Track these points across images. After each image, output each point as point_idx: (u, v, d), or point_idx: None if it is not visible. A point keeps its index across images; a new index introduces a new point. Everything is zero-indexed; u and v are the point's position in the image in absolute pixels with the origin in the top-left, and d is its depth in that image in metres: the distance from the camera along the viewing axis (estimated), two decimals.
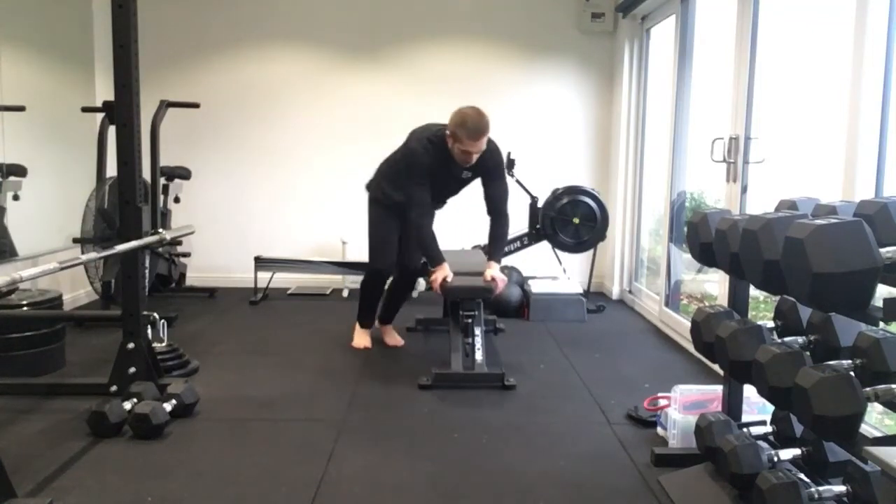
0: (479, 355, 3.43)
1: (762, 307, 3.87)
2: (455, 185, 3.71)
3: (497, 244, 3.66)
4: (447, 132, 3.42)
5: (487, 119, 3.38)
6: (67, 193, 4.69)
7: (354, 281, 5.56)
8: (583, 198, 4.83)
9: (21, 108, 4.20)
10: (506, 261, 4.31)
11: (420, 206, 3.50)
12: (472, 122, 3.34)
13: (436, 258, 3.52)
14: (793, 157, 3.66)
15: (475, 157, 3.43)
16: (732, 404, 2.44)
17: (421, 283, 5.36)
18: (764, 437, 2.30)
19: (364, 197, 3.86)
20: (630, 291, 5.42)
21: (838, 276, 1.50)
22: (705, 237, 2.29)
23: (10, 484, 2.05)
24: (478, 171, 3.59)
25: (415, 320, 4.40)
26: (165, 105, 4.62)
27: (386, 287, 4.02)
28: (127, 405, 2.73)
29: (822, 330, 2.03)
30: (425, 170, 3.48)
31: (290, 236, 5.65)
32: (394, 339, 4.07)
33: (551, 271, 5.22)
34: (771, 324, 2.29)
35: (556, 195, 4.86)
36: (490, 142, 3.49)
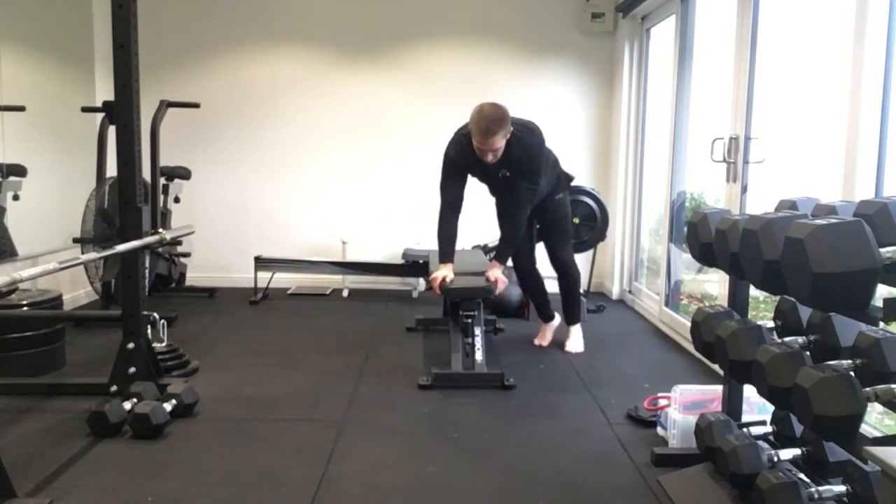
0: (479, 355, 3.43)
1: (762, 307, 3.87)
2: (499, 183, 3.60)
3: (501, 246, 3.66)
4: None
5: (500, 117, 3.26)
6: (67, 193, 4.69)
7: (354, 281, 5.57)
8: (583, 198, 4.83)
9: (21, 108, 4.20)
10: None
11: (446, 201, 3.53)
12: (480, 122, 3.26)
13: (443, 255, 3.54)
14: (793, 157, 3.66)
15: (491, 156, 3.34)
16: (732, 404, 2.44)
17: (421, 283, 5.36)
18: (764, 437, 2.31)
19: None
20: (630, 291, 5.42)
21: (838, 276, 1.50)
22: (705, 237, 2.29)
23: (10, 484, 2.05)
24: (511, 171, 3.49)
25: (415, 320, 4.40)
26: (165, 105, 4.62)
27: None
28: (127, 405, 2.73)
29: (822, 330, 2.03)
30: (456, 167, 3.47)
31: (290, 236, 5.65)
32: (542, 337, 4.07)
33: (551, 271, 5.21)
34: (771, 324, 2.29)
35: None
36: (526, 144, 3.40)
